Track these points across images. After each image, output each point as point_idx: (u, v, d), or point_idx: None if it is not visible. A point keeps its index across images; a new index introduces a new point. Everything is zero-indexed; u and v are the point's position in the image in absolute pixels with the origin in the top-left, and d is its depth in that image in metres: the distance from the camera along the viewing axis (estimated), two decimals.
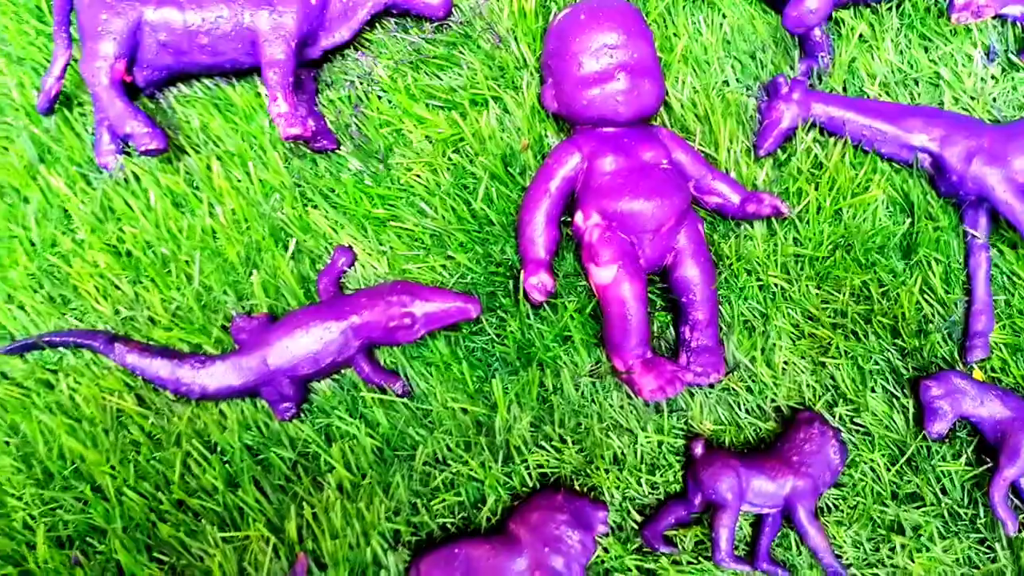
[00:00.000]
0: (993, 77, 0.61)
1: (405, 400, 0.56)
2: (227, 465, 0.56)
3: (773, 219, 0.57)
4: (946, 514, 0.57)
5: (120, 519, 0.55)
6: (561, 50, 0.55)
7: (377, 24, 0.63)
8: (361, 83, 0.61)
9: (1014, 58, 0.61)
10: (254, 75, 0.62)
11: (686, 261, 0.56)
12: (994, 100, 0.61)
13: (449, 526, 0.56)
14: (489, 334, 0.57)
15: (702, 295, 0.56)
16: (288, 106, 0.55)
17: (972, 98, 0.61)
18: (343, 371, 0.57)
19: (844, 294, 0.58)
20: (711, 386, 0.57)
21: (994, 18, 0.61)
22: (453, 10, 0.61)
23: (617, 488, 0.57)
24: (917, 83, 0.61)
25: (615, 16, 0.55)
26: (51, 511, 0.55)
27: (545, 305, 0.57)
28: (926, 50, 0.61)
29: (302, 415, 0.56)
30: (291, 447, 0.56)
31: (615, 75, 0.54)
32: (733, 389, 0.58)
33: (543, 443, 0.57)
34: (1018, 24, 0.61)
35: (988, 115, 0.60)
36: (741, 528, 0.57)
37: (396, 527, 0.55)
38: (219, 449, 0.56)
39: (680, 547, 0.56)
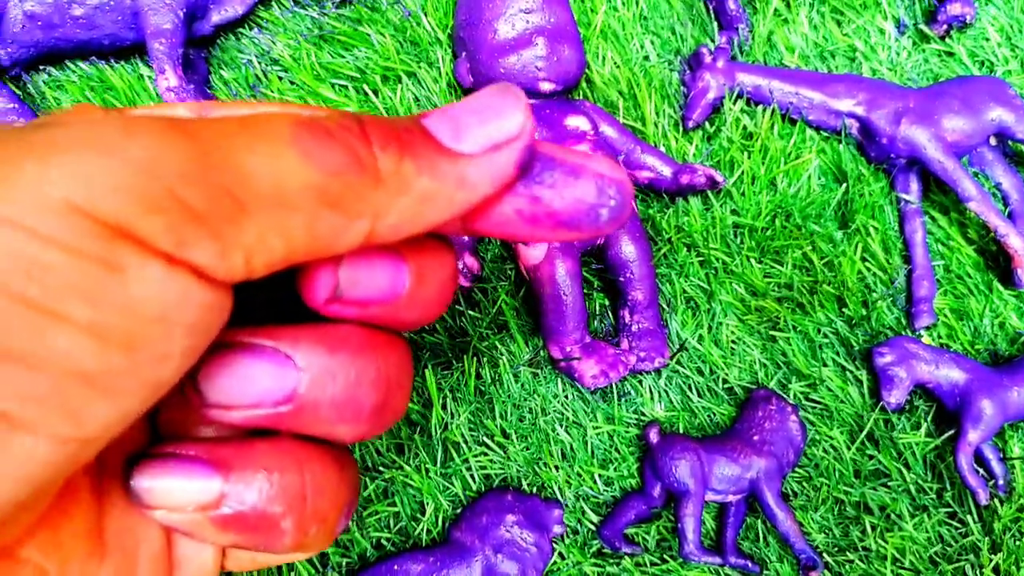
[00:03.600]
0: (906, 49, 0.61)
1: None
2: None
3: (709, 192, 0.55)
4: (912, 489, 0.53)
5: None
6: (473, 18, 0.52)
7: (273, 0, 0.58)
8: (259, 62, 0.56)
9: (924, 28, 0.61)
10: (137, 55, 0.55)
11: (621, 237, 0.52)
12: (909, 71, 0.60)
13: (384, 542, 0.49)
14: None
15: (640, 272, 0.52)
16: (178, 80, 0.49)
17: (889, 69, 0.60)
18: None
19: (787, 266, 0.55)
20: (657, 371, 0.53)
21: None
22: None
23: (569, 486, 0.51)
24: (834, 56, 0.60)
25: None
26: None
27: (476, 291, 0.52)
28: (839, 23, 0.61)
29: None
30: None
31: (533, 40, 0.50)
32: (683, 372, 0.53)
33: (485, 440, 0.51)
34: None
35: (905, 85, 0.60)
36: (704, 523, 0.52)
37: None
38: None
39: (643, 546, 0.51)
